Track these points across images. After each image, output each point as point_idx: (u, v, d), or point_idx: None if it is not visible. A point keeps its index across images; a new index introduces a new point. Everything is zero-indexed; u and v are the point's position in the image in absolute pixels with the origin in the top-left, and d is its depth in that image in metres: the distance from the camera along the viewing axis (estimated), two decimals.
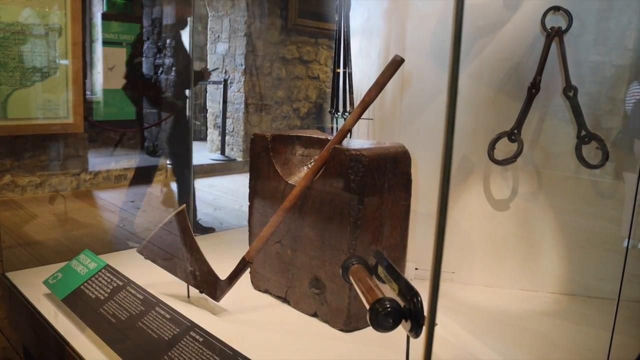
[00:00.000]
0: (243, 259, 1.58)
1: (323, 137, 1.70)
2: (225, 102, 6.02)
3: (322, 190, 1.54)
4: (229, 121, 6.19)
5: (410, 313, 0.88)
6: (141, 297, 1.43)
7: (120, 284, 1.52)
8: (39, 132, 4.10)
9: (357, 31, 2.30)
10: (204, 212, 4.05)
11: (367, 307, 0.94)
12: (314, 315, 1.63)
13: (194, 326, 1.27)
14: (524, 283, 1.97)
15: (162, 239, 1.68)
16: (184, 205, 1.73)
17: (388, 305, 0.88)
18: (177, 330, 1.26)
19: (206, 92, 6.71)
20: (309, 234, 1.59)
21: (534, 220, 1.95)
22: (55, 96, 4.10)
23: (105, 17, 4.63)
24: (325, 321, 1.59)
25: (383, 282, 1.07)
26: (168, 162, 5.26)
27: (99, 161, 4.56)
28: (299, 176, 1.66)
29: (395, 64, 1.54)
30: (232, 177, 5.79)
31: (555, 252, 1.94)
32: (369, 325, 1.62)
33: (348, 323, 1.54)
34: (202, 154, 6.32)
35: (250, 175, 1.79)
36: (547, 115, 1.89)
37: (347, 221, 1.47)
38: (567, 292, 1.94)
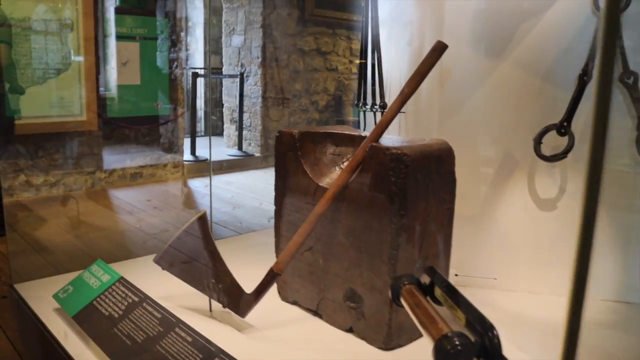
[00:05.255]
0: (271, 270, 1.43)
1: (356, 133, 1.54)
2: (242, 96, 5.87)
3: (357, 193, 1.38)
4: (245, 115, 6.04)
5: (484, 351, 0.73)
6: (159, 315, 1.29)
7: (136, 299, 1.38)
8: (53, 130, 3.99)
9: (384, 18, 2.13)
10: (222, 211, 3.92)
11: (430, 340, 0.78)
12: (349, 330, 1.48)
13: (219, 352, 1.13)
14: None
15: (181, 247, 1.54)
16: (204, 210, 1.59)
17: (458, 343, 0.72)
18: (200, 356, 1.12)
19: (222, 85, 6.57)
20: (343, 241, 1.43)
21: None
22: (68, 93, 3.99)
23: (118, 11, 4.51)
24: (363, 338, 1.44)
25: (439, 304, 0.91)
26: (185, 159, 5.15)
27: (114, 159, 4.44)
28: (330, 178, 1.50)
29: (438, 50, 1.38)
30: (250, 173, 5.65)
31: (609, 256, 1.77)
32: (411, 342, 1.48)
33: (389, 341, 1.38)
34: (219, 149, 6.18)
35: (276, 176, 1.64)
36: None
37: (388, 228, 1.32)
38: (623, 300, 1.76)
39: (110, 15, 4.48)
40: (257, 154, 6.03)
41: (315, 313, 1.57)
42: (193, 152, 5.42)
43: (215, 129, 7.19)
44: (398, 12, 2.09)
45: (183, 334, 1.20)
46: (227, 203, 4.23)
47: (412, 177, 1.30)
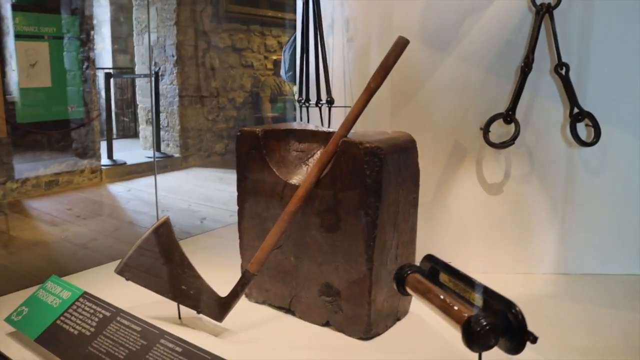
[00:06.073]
0: (247, 271, 1.41)
1: (317, 129, 1.55)
2: (157, 95, 5.67)
3: (330, 188, 1.39)
4: (162, 116, 5.84)
5: (509, 327, 0.76)
6: (139, 328, 1.23)
7: (108, 314, 1.31)
8: None
9: (326, 13, 2.14)
10: (152, 215, 3.77)
11: (452, 324, 0.81)
12: (326, 324, 1.49)
13: (215, 359, 1.09)
14: (519, 266, 1.92)
15: (145, 255, 1.47)
16: (167, 216, 1.53)
17: (485, 323, 0.76)
18: None
19: (134, 86, 6.31)
20: (316, 237, 1.44)
21: (527, 202, 1.89)
22: None
23: (16, 7, 4.18)
24: (341, 330, 1.45)
25: (445, 288, 0.94)
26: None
27: (27, 167, 4.13)
28: (298, 175, 1.50)
29: (400, 46, 1.41)
30: (171, 174, 5.47)
31: (548, 232, 1.90)
32: (387, 329, 1.51)
33: (368, 330, 1.40)
34: (136, 152, 5.93)
35: (238, 177, 1.61)
36: (537, 94, 1.83)
37: (364, 221, 1.34)
38: (561, 272, 1.91)
39: (7, 12, 4.16)
40: (177, 155, 5.86)
41: (288, 310, 1.57)
42: (110, 155, 5.17)
43: (128, 131, 6.90)
44: (342, 7, 2.11)
45: (171, 345, 1.15)
46: (154, 207, 4.08)
47: (385, 170, 1.33)
